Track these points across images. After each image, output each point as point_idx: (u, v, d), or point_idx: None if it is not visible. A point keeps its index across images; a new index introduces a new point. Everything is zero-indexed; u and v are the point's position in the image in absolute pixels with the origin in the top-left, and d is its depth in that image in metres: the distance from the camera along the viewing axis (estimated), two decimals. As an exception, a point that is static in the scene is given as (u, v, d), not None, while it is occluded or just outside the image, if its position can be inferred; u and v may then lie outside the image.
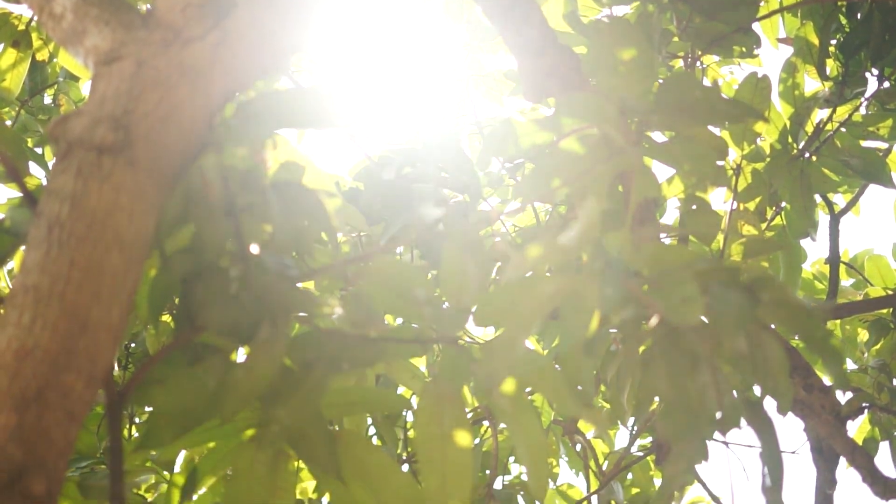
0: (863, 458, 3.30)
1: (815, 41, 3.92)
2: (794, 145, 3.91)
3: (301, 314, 1.48)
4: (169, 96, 1.29)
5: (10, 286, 1.16)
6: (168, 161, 1.28)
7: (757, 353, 1.39)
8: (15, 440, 1.06)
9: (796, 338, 3.29)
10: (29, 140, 4.37)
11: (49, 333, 1.10)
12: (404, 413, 3.68)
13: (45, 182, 1.61)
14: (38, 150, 4.40)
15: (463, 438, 1.51)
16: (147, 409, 1.95)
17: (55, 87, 4.51)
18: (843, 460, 3.56)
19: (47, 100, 4.55)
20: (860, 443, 3.85)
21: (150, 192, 1.24)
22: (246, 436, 1.58)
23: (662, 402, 1.45)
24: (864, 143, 3.92)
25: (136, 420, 3.44)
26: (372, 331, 1.53)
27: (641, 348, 1.48)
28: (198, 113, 1.33)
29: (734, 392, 1.42)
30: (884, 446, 4.00)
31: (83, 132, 1.23)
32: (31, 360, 1.09)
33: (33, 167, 4.19)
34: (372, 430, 3.54)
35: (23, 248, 1.38)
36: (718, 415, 1.41)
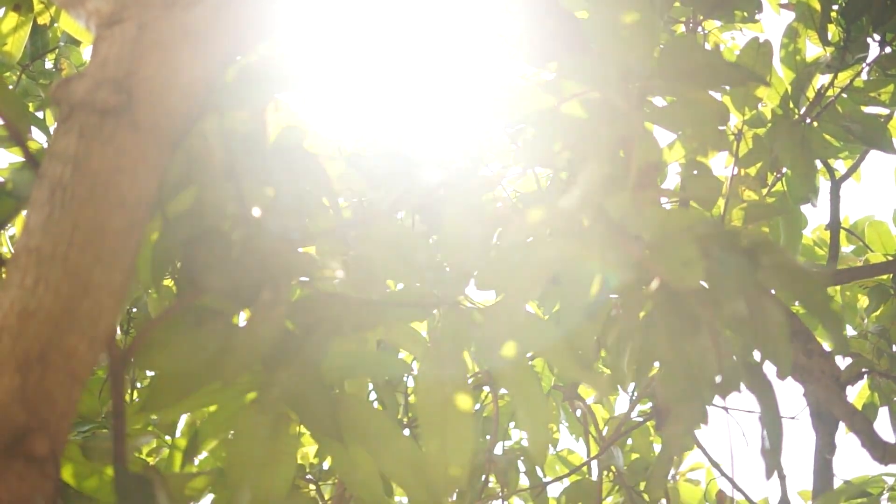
0: (862, 423, 3.31)
1: (817, 6, 3.91)
2: (796, 111, 3.90)
3: (302, 278, 1.48)
4: (170, 59, 1.29)
5: (13, 249, 1.16)
6: (170, 123, 1.28)
7: (757, 318, 1.39)
8: (18, 401, 1.06)
9: (797, 304, 3.29)
10: (30, 104, 4.37)
11: (52, 295, 1.11)
12: (405, 378, 3.69)
13: (46, 146, 1.61)
14: (40, 115, 4.40)
15: (464, 403, 1.51)
16: (149, 373, 1.96)
17: (56, 51, 4.50)
18: (842, 425, 3.57)
19: (48, 64, 4.54)
20: (859, 408, 3.86)
21: (152, 154, 1.24)
22: (247, 399, 1.58)
23: (662, 367, 1.45)
24: (866, 109, 3.91)
25: (138, 385, 3.45)
26: (373, 295, 1.53)
27: (642, 313, 1.48)
28: (199, 76, 1.33)
29: (734, 356, 1.42)
30: (883, 412, 4.01)
31: (85, 95, 1.23)
32: (34, 322, 1.09)
33: (35, 132, 4.18)
34: (373, 396, 3.55)
35: (25, 211, 1.38)
36: (718, 378, 1.42)
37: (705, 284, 1.38)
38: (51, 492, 1.08)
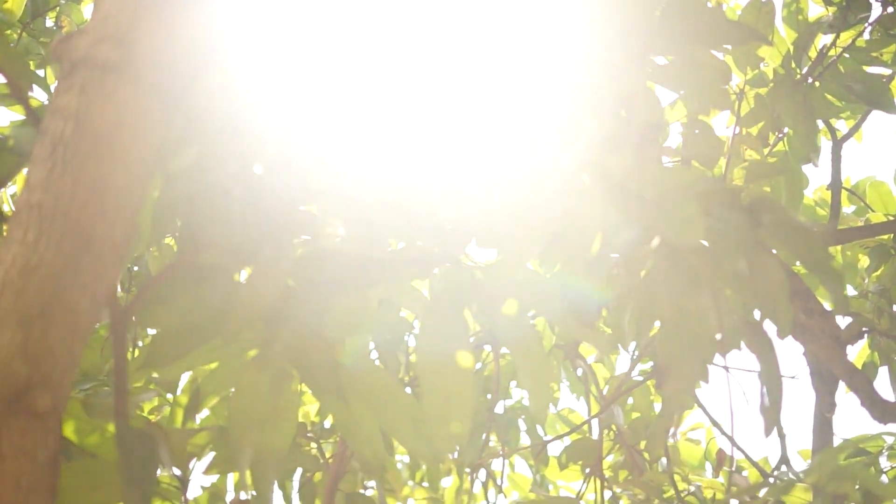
0: (862, 382, 3.32)
1: (819, -34, 3.90)
2: (798, 70, 3.90)
3: (304, 236, 1.48)
4: (172, 15, 1.29)
5: (15, 205, 1.16)
6: (172, 80, 1.27)
7: (758, 276, 1.40)
8: (20, 356, 1.07)
9: (797, 263, 3.30)
10: (31, 63, 4.35)
11: (53, 251, 1.11)
12: (406, 338, 3.69)
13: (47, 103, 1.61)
14: (41, 73, 4.38)
15: (465, 360, 1.51)
16: (150, 332, 1.96)
17: (57, 9, 4.48)
18: (842, 384, 3.58)
19: (49, 22, 4.53)
20: (859, 367, 3.87)
21: (154, 111, 1.24)
22: (249, 356, 1.59)
23: (663, 325, 1.46)
24: (868, 69, 3.90)
25: (140, 344, 3.46)
26: (375, 253, 1.53)
27: (643, 272, 1.49)
28: (201, 31, 1.32)
29: (734, 314, 1.43)
30: (883, 371, 4.01)
31: (86, 51, 1.22)
32: (36, 278, 1.09)
33: (36, 91, 4.17)
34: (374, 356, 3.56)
35: (26, 168, 1.38)
36: (719, 336, 1.42)
37: (706, 243, 1.39)
38: (53, 446, 1.08)
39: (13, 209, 1.16)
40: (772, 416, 1.42)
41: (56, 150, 1.16)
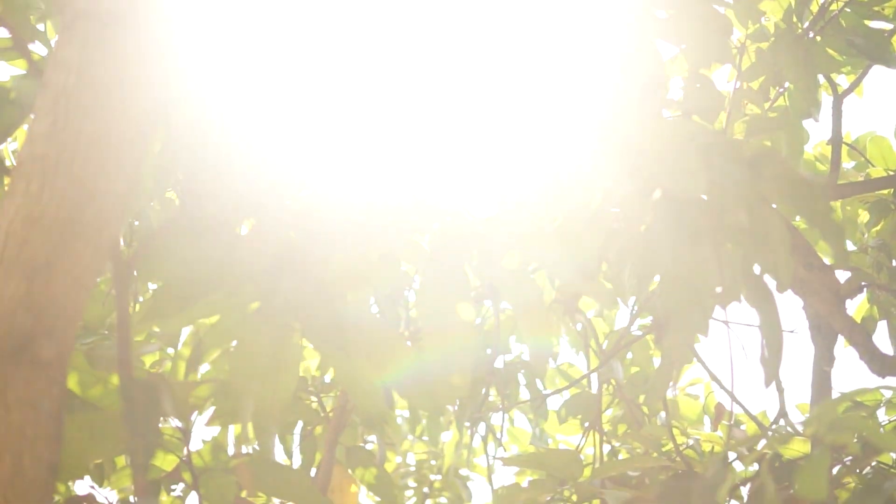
0: (861, 336, 3.32)
1: (822, -83, 3.88)
2: (799, 25, 3.88)
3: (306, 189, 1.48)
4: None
5: (18, 157, 1.16)
6: (174, 32, 1.27)
7: (758, 229, 1.40)
8: (24, 307, 1.07)
9: (797, 218, 3.29)
10: (31, 17, 4.33)
11: (57, 202, 1.11)
12: (406, 293, 3.69)
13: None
14: (41, 28, 4.37)
15: (465, 312, 1.52)
16: (151, 287, 1.96)
17: (56, -37, 4.46)
18: (841, 338, 3.58)
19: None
20: (858, 321, 3.87)
21: (155, 63, 1.24)
22: (251, 309, 1.59)
23: (663, 279, 1.46)
24: (869, 24, 3.88)
25: (140, 300, 3.46)
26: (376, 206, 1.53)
27: (643, 226, 1.49)
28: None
29: (735, 267, 1.43)
30: (882, 325, 4.01)
31: (88, 3, 1.22)
32: (40, 229, 1.10)
33: (37, 48, 4.16)
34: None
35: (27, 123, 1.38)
36: (719, 290, 1.43)
37: (706, 196, 1.39)
38: (58, 396, 1.09)
39: (15, 163, 1.16)
40: (772, 367, 1.42)
41: (58, 103, 1.16)
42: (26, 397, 1.06)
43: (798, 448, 1.81)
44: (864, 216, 4.34)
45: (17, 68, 3.74)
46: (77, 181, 1.13)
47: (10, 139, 1.45)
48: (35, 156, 1.14)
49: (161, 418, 1.29)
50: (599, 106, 1.40)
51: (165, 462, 1.81)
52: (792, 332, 3.67)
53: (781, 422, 3.43)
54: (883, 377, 3.30)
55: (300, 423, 3.72)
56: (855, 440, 1.45)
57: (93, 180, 1.14)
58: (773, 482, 1.45)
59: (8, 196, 1.13)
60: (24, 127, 1.52)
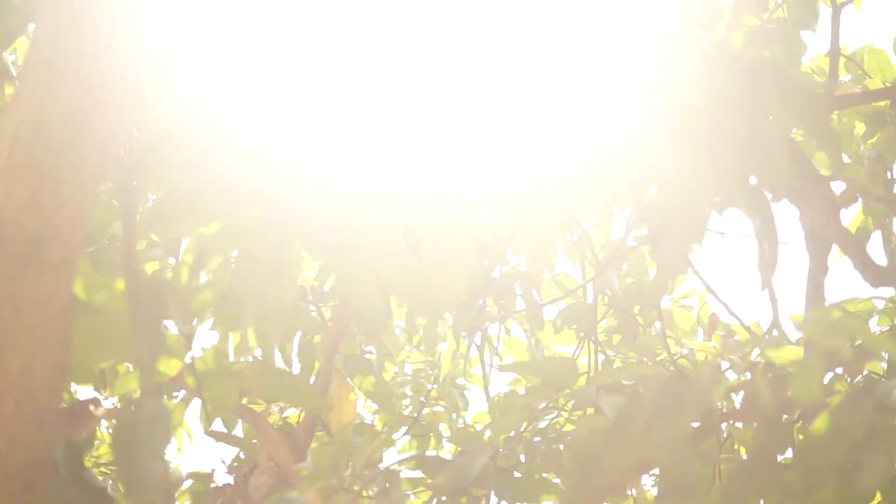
0: (855, 247, 3.34)
1: None
2: (798, -65, 3.86)
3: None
4: None
5: (24, 62, 1.17)
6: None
7: (756, 137, 1.41)
8: (30, 210, 1.08)
9: (794, 131, 3.30)
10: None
11: (63, 107, 1.12)
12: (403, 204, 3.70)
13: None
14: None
15: (464, 220, 1.53)
16: (151, 198, 1.97)
17: None
18: (835, 249, 3.60)
19: None
20: (853, 232, 3.89)
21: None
22: (252, 215, 1.60)
23: (659, 188, 1.47)
24: (869, -66, 3.87)
25: (140, 210, 3.46)
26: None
27: (640, 134, 1.49)
28: None
29: (732, 176, 1.44)
30: (876, 235, 4.03)
31: None
32: (45, 134, 1.11)
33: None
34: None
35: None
36: (716, 199, 1.44)
37: (704, 105, 1.40)
38: (66, 298, 1.11)
39: (23, 64, 1.17)
40: (768, 272, 1.44)
41: (62, 6, 1.17)
42: (35, 298, 1.08)
43: (790, 356, 1.83)
44: (860, 128, 4.35)
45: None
46: (83, 87, 1.14)
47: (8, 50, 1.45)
48: (40, 61, 1.14)
49: (167, 320, 1.30)
50: (598, 16, 1.41)
51: (168, 367, 1.82)
52: (786, 243, 3.69)
53: (774, 332, 3.46)
54: (876, 287, 3.32)
55: (299, 333, 3.75)
56: (848, 346, 1.47)
57: (99, 85, 1.15)
58: (767, 386, 1.48)
59: (14, 101, 1.14)
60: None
